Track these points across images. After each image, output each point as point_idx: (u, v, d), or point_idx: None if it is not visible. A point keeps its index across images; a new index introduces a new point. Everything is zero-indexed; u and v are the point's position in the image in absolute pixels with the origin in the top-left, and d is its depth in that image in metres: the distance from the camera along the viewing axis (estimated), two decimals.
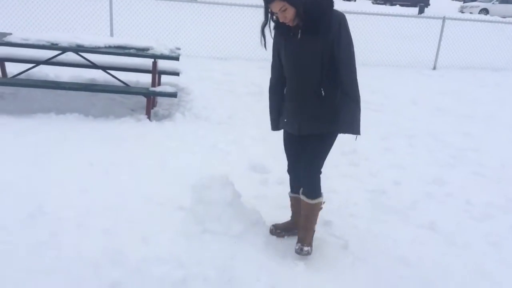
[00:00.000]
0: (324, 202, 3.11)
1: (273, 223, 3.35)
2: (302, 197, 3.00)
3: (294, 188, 3.23)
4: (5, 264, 2.77)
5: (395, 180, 4.62)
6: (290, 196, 3.30)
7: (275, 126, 3.12)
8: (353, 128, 2.76)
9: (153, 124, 5.82)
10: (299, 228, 3.11)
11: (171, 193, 3.87)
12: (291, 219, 3.35)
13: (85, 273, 2.69)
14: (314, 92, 2.72)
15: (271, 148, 5.31)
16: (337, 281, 2.85)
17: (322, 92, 2.70)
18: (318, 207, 3.05)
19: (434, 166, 5.12)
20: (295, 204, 3.24)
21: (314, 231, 3.13)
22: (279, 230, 3.28)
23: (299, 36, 2.63)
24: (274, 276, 2.74)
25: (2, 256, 2.84)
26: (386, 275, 3.00)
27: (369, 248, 3.30)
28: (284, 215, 3.58)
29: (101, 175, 4.25)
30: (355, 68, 2.68)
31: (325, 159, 2.94)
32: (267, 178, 4.43)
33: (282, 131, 3.13)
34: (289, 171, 3.23)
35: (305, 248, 2.97)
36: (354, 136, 2.83)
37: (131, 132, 5.44)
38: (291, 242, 3.17)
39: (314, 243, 3.12)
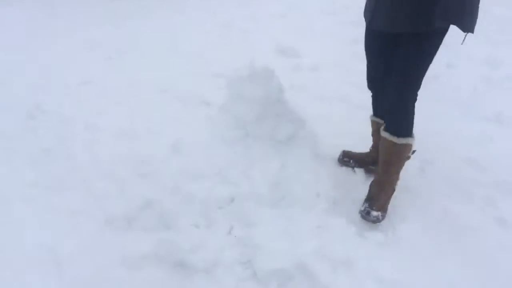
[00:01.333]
0: (413, 150, 2.18)
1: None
2: (383, 133, 2.12)
3: (378, 109, 2.35)
4: (8, 182, 2.26)
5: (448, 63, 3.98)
6: (372, 120, 2.41)
7: None
8: (463, 19, 1.82)
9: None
10: (375, 172, 2.33)
11: (193, 86, 3.26)
12: (369, 151, 2.53)
13: (108, 190, 2.21)
14: None
15: (294, 25, 4.58)
16: (408, 191, 2.40)
17: None
18: (404, 151, 2.11)
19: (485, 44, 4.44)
20: (376, 130, 2.36)
21: (393, 189, 2.21)
22: (347, 158, 2.54)
23: None
24: (335, 190, 2.28)
25: (3, 170, 2.33)
26: (458, 180, 2.55)
27: (434, 149, 2.81)
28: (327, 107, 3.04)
29: (103, 62, 3.57)
30: None
31: (423, 75, 1.97)
32: (299, 63, 3.76)
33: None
34: (368, 83, 2.32)
35: (374, 213, 2.09)
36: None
37: (132, 7, 4.58)
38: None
39: None
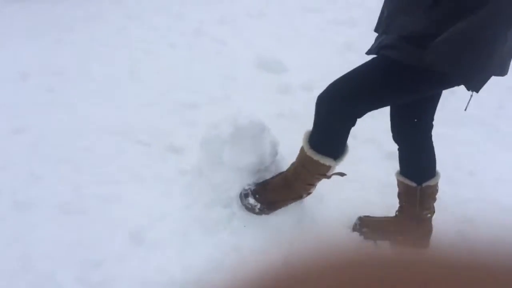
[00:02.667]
0: (332, 172, 1.74)
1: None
2: (303, 141, 1.74)
3: (403, 166, 1.84)
4: None
5: None
6: (398, 180, 1.86)
7: None
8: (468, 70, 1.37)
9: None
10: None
11: (157, 123, 2.59)
12: (395, 216, 1.92)
13: None
14: None
15: (275, 28, 3.90)
16: None
17: None
18: (318, 168, 1.69)
19: None
20: (403, 193, 1.84)
21: (298, 195, 1.80)
22: (366, 229, 1.93)
23: None
24: None
25: None
26: None
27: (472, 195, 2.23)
28: None
29: (42, 97, 2.84)
30: None
31: (365, 85, 1.58)
32: (286, 82, 3.10)
33: None
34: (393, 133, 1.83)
35: (251, 200, 1.77)
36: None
37: (80, 14, 3.82)
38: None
39: None
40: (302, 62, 3.32)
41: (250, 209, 1.78)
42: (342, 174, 1.79)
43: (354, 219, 1.99)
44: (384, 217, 1.96)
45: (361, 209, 2.05)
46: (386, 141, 1.86)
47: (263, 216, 1.76)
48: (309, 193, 1.81)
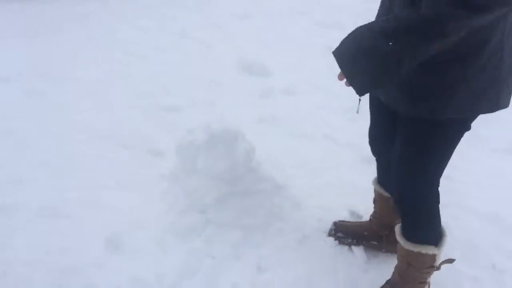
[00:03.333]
0: (439, 261, 1.60)
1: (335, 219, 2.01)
2: (398, 236, 1.60)
3: (381, 176, 1.80)
4: None
5: None
6: (375, 189, 1.85)
7: None
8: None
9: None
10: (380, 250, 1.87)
11: (139, 129, 2.61)
12: (369, 221, 1.94)
13: None
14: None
15: (260, 30, 3.91)
16: None
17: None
18: (424, 261, 1.57)
19: None
20: (379, 201, 1.84)
21: None
22: (341, 234, 1.94)
23: None
24: None
25: None
26: None
27: None
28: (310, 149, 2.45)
29: (26, 100, 2.85)
30: None
31: (439, 164, 1.43)
32: (269, 86, 3.13)
33: None
34: (370, 145, 1.75)
35: None
36: None
37: (65, 14, 3.82)
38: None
39: None
40: (286, 65, 3.35)
41: None
42: (451, 261, 1.63)
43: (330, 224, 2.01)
44: (359, 222, 2.00)
45: (340, 214, 2.08)
46: (366, 145, 1.89)
47: (237, 221, 1.79)
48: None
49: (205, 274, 1.66)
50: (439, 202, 1.51)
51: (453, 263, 1.64)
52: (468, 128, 1.35)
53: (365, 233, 1.92)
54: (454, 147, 1.39)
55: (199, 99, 2.94)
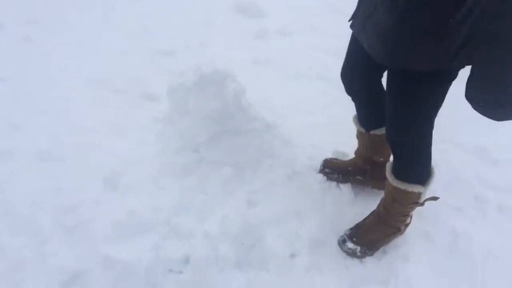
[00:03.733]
0: (423, 198, 1.65)
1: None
2: (387, 172, 1.64)
3: (359, 114, 1.83)
4: None
5: None
6: (354, 124, 1.87)
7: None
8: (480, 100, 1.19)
9: None
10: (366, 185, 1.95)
11: (133, 72, 2.62)
12: (354, 158, 2.00)
13: (24, 255, 1.67)
14: None
15: None
16: None
17: None
18: (409, 198, 1.62)
19: None
20: (360, 137, 1.89)
21: (397, 229, 1.73)
22: (329, 170, 2.01)
23: None
24: (318, 229, 1.78)
25: None
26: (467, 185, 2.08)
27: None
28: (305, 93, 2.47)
29: (18, 46, 2.84)
30: None
31: (432, 113, 1.43)
32: (264, 27, 3.09)
33: None
34: (343, 79, 1.73)
35: (349, 245, 1.72)
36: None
37: None
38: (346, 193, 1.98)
39: None
40: (281, 5, 3.29)
41: (352, 253, 1.71)
42: (435, 198, 1.72)
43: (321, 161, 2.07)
44: (346, 160, 2.05)
45: (330, 153, 2.13)
46: None
47: (228, 159, 1.84)
48: (407, 224, 1.74)
49: (197, 209, 1.74)
50: (431, 145, 1.53)
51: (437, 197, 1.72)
52: (453, 77, 1.32)
53: (350, 168, 1.99)
54: (445, 95, 1.38)
55: (191, 42, 2.92)
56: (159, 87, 2.47)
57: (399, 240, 1.75)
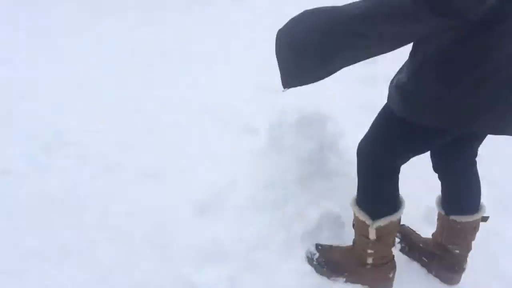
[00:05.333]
0: (372, 235, 1.50)
1: None
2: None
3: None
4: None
5: None
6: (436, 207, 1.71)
7: None
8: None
9: None
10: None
11: (236, 107, 2.71)
12: (432, 238, 1.77)
13: (115, 262, 1.76)
14: None
15: None
16: None
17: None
18: (360, 227, 1.52)
19: None
20: (439, 220, 1.70)
21: (362, 262, 1.59)
22: (399, 236, 1.81)
23: None
24: None
25: None
26: None
27: None
28: None
29: (145, 71, 3.11)
30: None
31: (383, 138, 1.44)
32: (375, 72, 3.02)
33: None
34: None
35: (311, 249, 1.69)
36: None
37: None
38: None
39: None
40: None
41: (309, 259, 1.68)
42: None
43: None
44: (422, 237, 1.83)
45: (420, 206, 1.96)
46: None
47: (318, 202, 1.78)
48: (376, 265, 1.57)
49: (278, 246, 1.71)
50: (392, 180, 1.45)
51: None
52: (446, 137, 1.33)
53: (421, 245, 1.78)
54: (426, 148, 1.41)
55: (282, 115, 2.96)
56: (262, 121, 2.50)
57: None
